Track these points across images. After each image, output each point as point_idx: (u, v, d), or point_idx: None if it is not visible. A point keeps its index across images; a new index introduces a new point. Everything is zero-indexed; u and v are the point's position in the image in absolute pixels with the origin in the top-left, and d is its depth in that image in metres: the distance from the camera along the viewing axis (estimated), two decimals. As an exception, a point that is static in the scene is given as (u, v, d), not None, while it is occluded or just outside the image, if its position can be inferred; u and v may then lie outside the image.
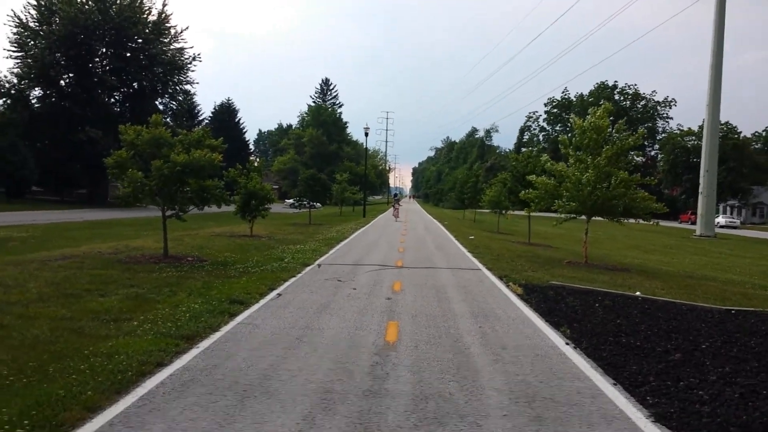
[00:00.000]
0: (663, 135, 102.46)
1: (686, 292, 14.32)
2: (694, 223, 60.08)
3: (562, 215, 20.07)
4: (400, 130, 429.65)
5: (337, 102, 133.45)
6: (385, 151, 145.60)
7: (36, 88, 60.31)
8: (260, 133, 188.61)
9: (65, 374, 6.03)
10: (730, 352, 8.08)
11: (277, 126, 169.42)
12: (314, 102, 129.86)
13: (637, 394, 6.34)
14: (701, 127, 66.05)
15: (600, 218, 20.48)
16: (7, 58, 61.11)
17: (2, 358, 6.47)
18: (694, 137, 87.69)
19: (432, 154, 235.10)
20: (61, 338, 7.43)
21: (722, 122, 72.02)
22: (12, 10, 69.63)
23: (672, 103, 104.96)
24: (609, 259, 22.89)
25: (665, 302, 12.34)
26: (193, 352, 7.25)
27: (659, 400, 6.11)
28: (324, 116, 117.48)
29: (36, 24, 58.73)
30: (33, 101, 60.98)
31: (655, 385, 6.59)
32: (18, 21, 57.79)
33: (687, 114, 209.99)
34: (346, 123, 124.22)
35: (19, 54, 58.71)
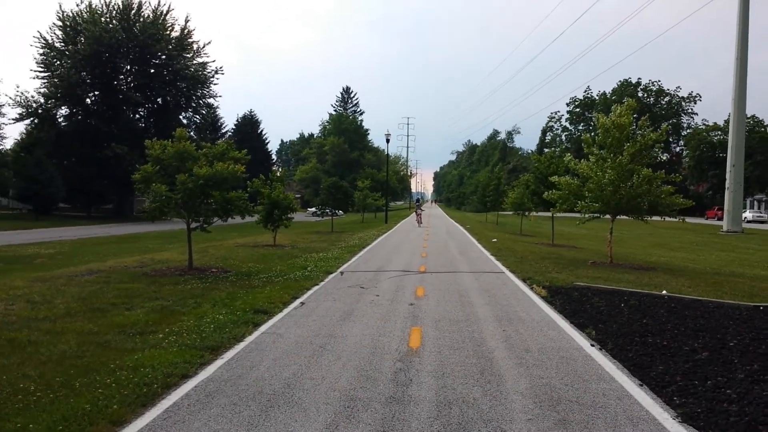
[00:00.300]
0: (688, 131, 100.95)
1: (713, 290, 14.09)
2: (720, 218, 59.11)
3: (586, 215, 19.87)
4: (421, 135, 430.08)
5: (358, 110, 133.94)
6: (407, 157, 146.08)
7: (63, 107, 61.38)
8: (282, 144, 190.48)
9: (91, 388, 6.12)
10: (758, 350, 7.93)
11: (298, 136, 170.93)
12: (335, 110, 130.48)
13: (664, 394, 6.26)
14: (727, 122, 65.08)
15: (625, 217, 20.26)
16: (34, 78, 62.32)
17: (30, 374, 6.59)
18: (719, 132, 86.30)
19: (453, 158, 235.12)
20: (88, 352, 7.55)
21: (748, 116, 70.93)
22: (38, 31, 71.15)
23: (697, 99, 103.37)
24: (634, 258, 22.61)
25: (692, 300, 12.16)
26: (218, 363, 7.31)
27: (686, 400, 6.02)
28: (345, 124, 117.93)
29: (62, 44, 59.88)
30: (60, 120, 62.11)
31: (682, 384, 6.50)
32: (44, 42, 59.00)
33: (712, 110, 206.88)
34: (367, 130, 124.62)
35: (46, 74, 59.89)
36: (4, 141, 62.57)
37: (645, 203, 18.59)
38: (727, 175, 49.91)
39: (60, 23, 59.04)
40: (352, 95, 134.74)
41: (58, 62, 59.49)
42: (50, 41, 59.32)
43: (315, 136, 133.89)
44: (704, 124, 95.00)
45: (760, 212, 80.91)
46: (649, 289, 13.55)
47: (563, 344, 8.43)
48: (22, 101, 57.82)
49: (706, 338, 8.63)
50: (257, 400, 5.95)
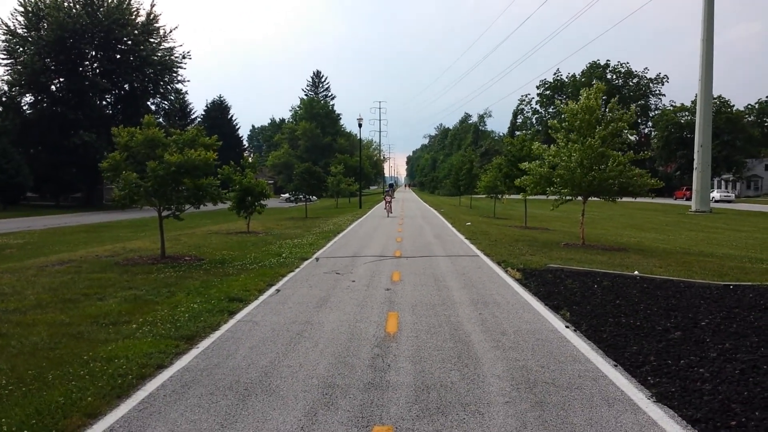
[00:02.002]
0: (656, 112, 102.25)
1: (684, 269, 14.33)
2: (689, 199, 60.08)
3: (557, 199, 20.06)
4: (393, 119, 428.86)
5: (330, 94, 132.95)
6: (379, 141, 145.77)
7: (27, 95, 60.22)
8: (253, 129, 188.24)
9: (65, 381, 6.03)
10: (729, 328, 8.09)
11: (270, 121, 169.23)
12: (306, 95, 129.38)
13: (638, 374, 6.36)
14: (694, 103, 65.96)
15: (596, 198, 20.49)
16: (-5, 66, 60.81)
17: (1, 367, 6.46)
18: (687, 113, 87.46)
19: (426, 141, 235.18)
20: (60, 344, 7.42)
21: (715, 96, 72.03)
22: (-1, 18, 69.19)
23: (664, 80, 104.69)
24: (606, 239, 22.91)
25: (663, 280, 12.35)
26: (193, 352, 7.25)
27: (660, 380, 6.12)
28: (317, 109, 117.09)
29: (24, 30, 58.48)
30: (25, 107, 60.86)
31: (655, 364, 6.60)
32: (6, 28, 57.63)
33: (680, 91, 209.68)
34: (339, 115, 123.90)
35: (9, 61, 58.65)
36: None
37: (615, 185, 18.83)
38: (695, 156, 50.75)
39: (22, 9, 57.59)
40: (323, 79, 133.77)
41: (21, 49, 58.13)
42: (12, 27, 57.94)
43: (287, 121, 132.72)
44: (672, 106, 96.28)
45: (728, 192, 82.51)
46: (621, 270, 13.74)
47: (538, 326, 8.51)
48: (-15, 89, 56.44)
49: (678, 318, 8.78)
50: (234, 389, 5.91)
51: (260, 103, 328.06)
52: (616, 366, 6.67)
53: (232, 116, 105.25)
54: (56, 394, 5.62)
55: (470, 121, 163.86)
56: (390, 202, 40.41)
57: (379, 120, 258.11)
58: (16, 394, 5.69)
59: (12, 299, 10.27)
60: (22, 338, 7.67)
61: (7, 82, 57.60)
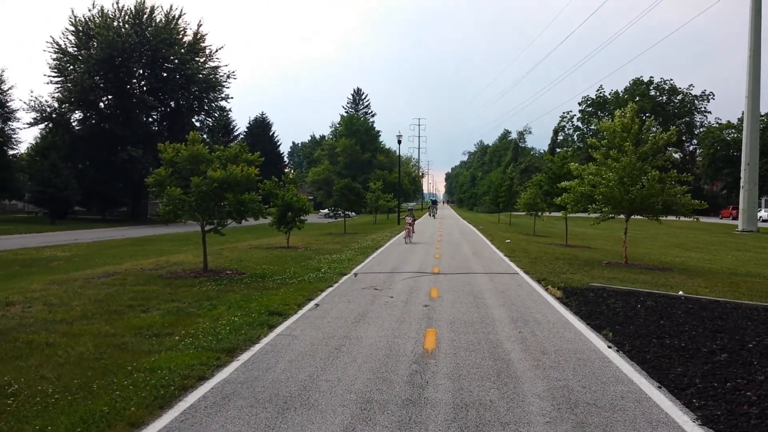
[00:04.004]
0: (701, 129, 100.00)
1: (730, 290, 13.95)
2: (735, 218, 58.43)
3: (598, 216, 19.84)
4: (433, 136, 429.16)
5: (370, 111, 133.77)
6: (418, 158, 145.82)
7: (76, 111, 62.07)
8: (294, 146, 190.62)
9: (109, 390, 6.16)
10: (779, 351, 7.83)
11: (310, 138, 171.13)
12: (347, 112, 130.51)
13: (683, 396, 6.20)
14: (741, 119, 64.36)
15: (639, 217, 20.15)
16: (48, 83, 62.95)
17: (48, 376, 6.63)
18: (733, 130, 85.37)
19: (465, 158, 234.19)
20: (105, 354, 7.60)
21: (762, 114, 70.11)
22: (51, 36, 71.79)
23: (710, 97, 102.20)
24: (649, 259, 22.44)
25: (709, 301, 12.04)
26: (234, 365, 7.33)
27: (706, 403, 5.96)
28: (356, 125, 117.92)
29: (75, 49, 60.47)
30: (74, 124, 62.74)
31: (701, 387, 6.43)
32: (57, 47, 59.63)
33: (726, 108, 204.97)
34: (378, 132, 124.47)
35: (59, 79, 60.53)
36: (18, 145, 63.26)
37: (659, 203, 18.53)
38: (742, 174, 49.39)
39: (72, 28, 59.64)
40: (363, 97, 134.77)
41: (72, 67, 60.06)
42: (63, 46, 60.02)
43: (327, 137, 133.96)
44: (718, 123, 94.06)
45: (776, 211, 79.96)
46: (665, 290, 13.44)
47: (580, 346, 8.38)
48: (36, 106, 58.56)
49: (724, 339, 8.54)
50: (273, 402, 5.96)
51: (301, 120, 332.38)
52: (660, 388, 6.52)
53: (273, 133, 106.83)
54: (101, 404, 5.74)
55: (510, 138, 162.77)
56: (412, 224, 30.87)
57: (418, 137, 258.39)
58: (62, 402, 5.82)
59: (59, 310, 10.55)
60: (69, 348, 7.86)
61: (58, 99, 59.53)
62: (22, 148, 66.38)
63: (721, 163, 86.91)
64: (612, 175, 18.48)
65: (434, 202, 79.77)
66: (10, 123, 59.52)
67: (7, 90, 58.82)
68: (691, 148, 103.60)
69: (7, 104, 58.85)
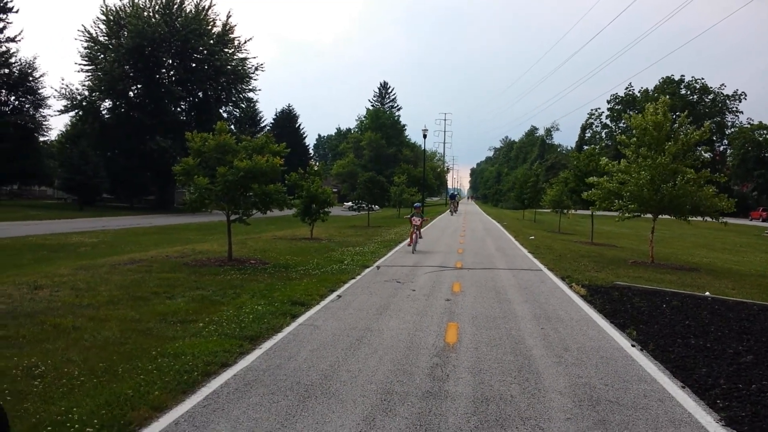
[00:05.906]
0: (733, 129, 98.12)
1: (758, 292, 13.73)
2: (765, 220, 57.42)
3: (624, 214, 19.54)
4: (458, 131, 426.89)
5: (396, 105, 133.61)
6: (443, 153, 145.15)
7: (106, 100, 62.86)
8: (320, 138, 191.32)
9: (134, 374, 6.26)
10: (808, 355, 7.68)
11: (335, 131, 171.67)
12: (372, 105, 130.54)
13: (707, 397, 6.13)
14: (775, 120, 62.98)
15: (667, 216, 19.86)
16: (78, 71, 64.00)
17: (74, 359, 6.75)
18: (766, 131, 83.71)
19: (491, 154, 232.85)
20: (130, 339, 7.71)
21: (797, 114, 68.52)
22: (83, 25, 72.85)
23: (742, 97, 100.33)
24: (676, 259, 22.15)
25: (736, 302, 11.85)
26: (256, 352, 7.40)
27: (730, 404, 5.88)
28: (382, 119, 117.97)
29: (105, 38, 61.27)
30: (103, 112, 63.59)
31: (725, 388, 6.34)
32: (88, 36, 60.47)
33: (759, 108, 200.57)
34: (404, 126, 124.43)
35: (90, 67, 61.37)
36: (49, 132, 64.30)
37: (688, 203, 18.21)
38: (774, 175, 48.43)
39: (103, 17, 60.47)
40: (389, 90, 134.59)
41: (102, 56, 60.85)
42: (94, 35, 60.80)
43: (352, 131, 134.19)
44: (749, 123, 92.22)
45: (807, 214, 78.27)
46: (691, 290, 13.26)
47: (603, 344, 8.30)
48: (67, 94, 59.47)
49: (750, 341, 8.41)
50: (295, 390, 6.01)
51: (327, 113, 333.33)
52: (683, 387, 6.44)
53: (299, 125, 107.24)
54: (125, 387, 5.83)
55: (537, 134, 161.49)
56: (419, 227, 22.13)
57: (444, 131, 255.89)
58: (88, 385, 5.92)
59: (86, 295, 10.72)
60: (95, 332, 7.99)
61: (88, 88, 60.41)
62: (53, 135, 67.52)
63: (752, 164, 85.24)
64: (644, 173, 18.17)
65: (452, 197, 73.74)
66: (41, 110, 60.61)
67: (39, 77, 59.77)
68: (721, 148, 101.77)
69: (39, 91, 59.87)
